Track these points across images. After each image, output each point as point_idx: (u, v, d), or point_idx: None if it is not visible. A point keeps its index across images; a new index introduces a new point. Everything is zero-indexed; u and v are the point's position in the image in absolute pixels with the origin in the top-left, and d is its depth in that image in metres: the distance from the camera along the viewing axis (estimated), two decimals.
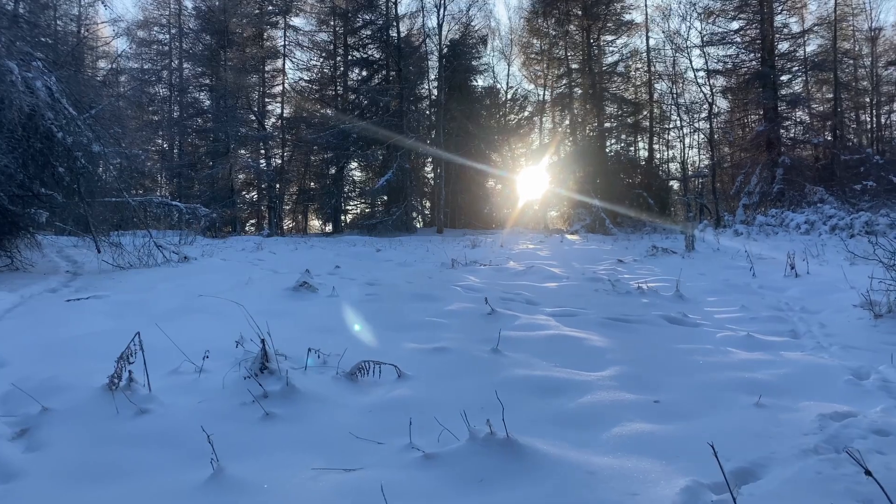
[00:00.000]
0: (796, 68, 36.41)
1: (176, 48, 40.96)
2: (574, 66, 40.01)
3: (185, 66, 40.88)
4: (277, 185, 39.41)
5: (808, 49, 36.50)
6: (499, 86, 44.88)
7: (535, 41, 43.71)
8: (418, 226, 37.42)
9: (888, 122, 44.81)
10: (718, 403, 3.49)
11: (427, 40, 38.22)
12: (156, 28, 41.70)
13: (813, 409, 3.31)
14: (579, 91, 39.52)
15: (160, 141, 43.07)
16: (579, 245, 19.70)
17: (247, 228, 40.05)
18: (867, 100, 40.44)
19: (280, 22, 41.43)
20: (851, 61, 38.82)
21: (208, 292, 7.71)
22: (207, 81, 39.74)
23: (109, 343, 4.42)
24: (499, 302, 6.83)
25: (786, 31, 36.50)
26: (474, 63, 39.91)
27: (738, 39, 37.02)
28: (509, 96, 45.22)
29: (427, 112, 39.85)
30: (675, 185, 44.61)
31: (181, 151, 40.82)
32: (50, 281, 8.89)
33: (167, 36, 41.60)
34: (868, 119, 42.76)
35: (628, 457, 2.72)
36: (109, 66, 29.95)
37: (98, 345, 4.64)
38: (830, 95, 37.76)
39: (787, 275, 10.42)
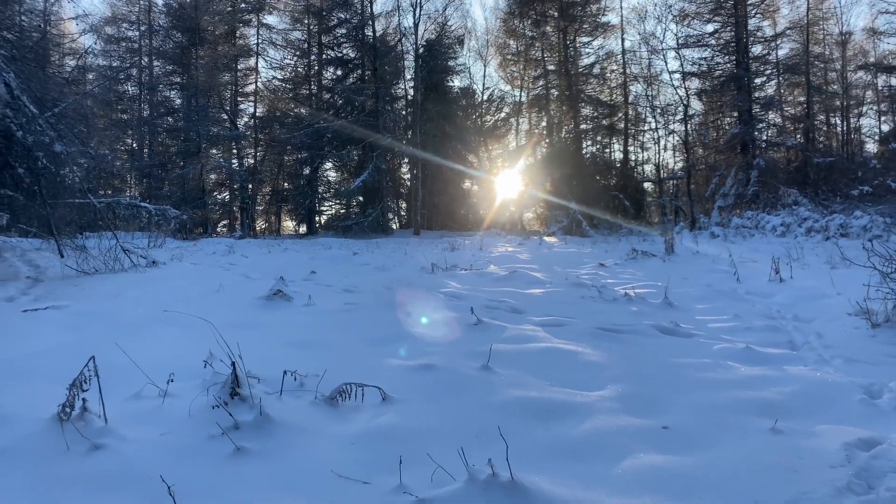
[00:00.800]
0: (770, 71, 36.72)
1: (146, 45, 40.08)
2: (550, 67, 39.95)
3: (155, 63, 40.04)
4: (250, 186, 38.76)
5: (781, 53, 36.86)
6: (475, 87, 44.70)
7: (511, 42, 43.60)
8: (394, 227, 37.03)
9: (857, 125, 45.50)
10: (731, 428, 3.23)
11: (403, 39, 37.89)
12: (125, 25, 40.80)
13: (833, 435, 3.06)
14: (556, 92, 39.45)
15: (129, 140, 42.16)
16: (559, 248, 19.51)
17: (218, 230, 39.31)
18: (837, 103, 40.94)
19: (253, 20, 40.80)
20: (823, 65, 39.27)
21: (177, 300, 7.31)
22: (178, 80, 38.97)
23: (66, 362, 4.04)
24: (484, 311, 6.54)
25: (759, 34, 36.80)
26: (451, 63, 39.65)
27: (713, 42, 37.23)
28: (486, 97, 45.05)
29: (403, 112, 39.50)
30: (648, 186, 44.80)
31: (151, 151, 39.95)
32: (8, 288, 8.40)
33: (136, 33, 40.71)
34: (838, 122, 43.33)
35: (645, 498, 2.43)
36: (76, 62, 29.15)
37: (53, 364, 4.25)
38: (802, 99, 38.15)
39: (771, 280, 10.27)
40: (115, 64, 41.07)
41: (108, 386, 3.60)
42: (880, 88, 43.14)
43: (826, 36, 41.26)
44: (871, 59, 40.73)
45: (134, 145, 41.89)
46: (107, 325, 5.62)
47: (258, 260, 14.45)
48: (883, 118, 45.59)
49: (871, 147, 44.39)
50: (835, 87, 40.67)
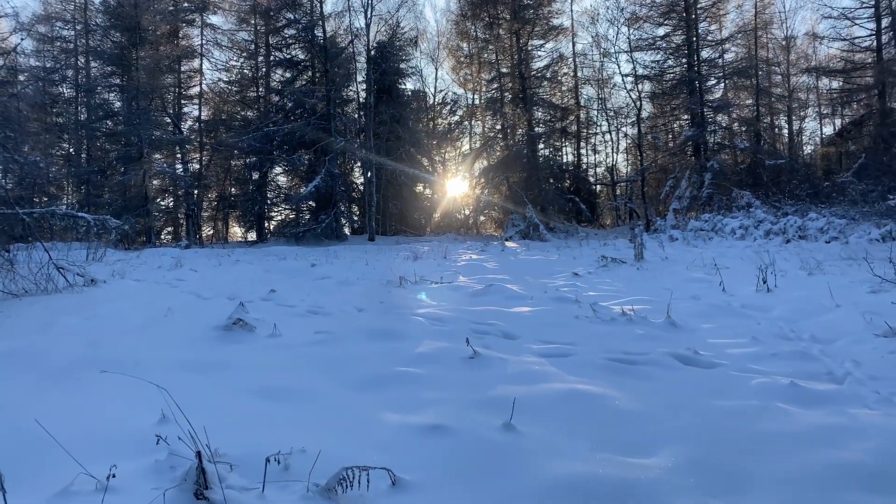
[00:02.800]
0: (719, 74, 37.07)
1: (82, 45, 38.08)
2: (504, 70, 39.53)
3: (92, 64, 38.10)
4: (195, 192, 37.18)
5: (728, 57, 37.26)
6: (427, 90, 44.02)
7: (463, 45, 43.08)
8: (348, 233, 35.98)
9: (800, 127, 46.52)
10: None
11: (355, 41, 36.91)
12: (59, 23, 38.71)
13: None
14: (509, 95, 39.04)
15: (66, 145, 40.04)
16: (524, 255, 18.90)
17: (163, 238, 37.57)
18: (780, 106, 41.67)
19: (197, 20, 39.21)
20: (768, 68, 39.89)
21: (119, 331, 6.35)
22: (118, 81, 37.13)
23: None
24: (474, 337, 5.78)
25: (709, 38, 37.12)
26: (403, 66, 38.82)
27: (665, 45, 37.40)
28: (438, 100, 44.40)
29: (356, 115, 38.49)
30: (598, 189, 44.87)
31: (90, 156, 37.96)
32: None
33: (72, 32, 38.66)
34: (784, 125, 44.16)
35: None
36: (3, 62, 27.29)
37: None
38: (749, 102, 38.66)
39: (759, 289, 9.82)
40: (48, 65, 38.95)
41: (29, 473, 2.72)
42: (822, 92, 44.19)
43: (771, 40, 42.01)
44: (813, 63, 41.61)
45: (71, 150, 39.80)
46: (31, 371, 4.65)
47: (209, 274, 13.39)
48: (825, 120, 46.76)
49: (809, 149, 45.50)
50: (779, 90, 41.41)
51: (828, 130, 45.65)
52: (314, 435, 3.27)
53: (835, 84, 40.40)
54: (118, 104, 37.88)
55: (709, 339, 6.11)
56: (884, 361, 5.00)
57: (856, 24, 34.03)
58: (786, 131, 43.79)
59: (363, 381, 4.48)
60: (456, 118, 44.15)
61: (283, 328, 6.21)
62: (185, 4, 38.64)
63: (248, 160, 36.91)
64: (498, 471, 2.92)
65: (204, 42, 39.28)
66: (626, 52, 39.55)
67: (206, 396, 3.97)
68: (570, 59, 41.74)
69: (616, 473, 2.85)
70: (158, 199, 37.00)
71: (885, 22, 32.58)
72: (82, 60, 38.32)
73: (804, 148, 46.37)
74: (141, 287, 10.71)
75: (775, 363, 5.13)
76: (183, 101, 39.46)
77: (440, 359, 5.09)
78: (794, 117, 44.38)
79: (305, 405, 3.91)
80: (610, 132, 44.88)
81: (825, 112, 45.95)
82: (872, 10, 32.68)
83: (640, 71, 38.86)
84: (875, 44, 33.13)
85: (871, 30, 33.09)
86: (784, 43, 43.29)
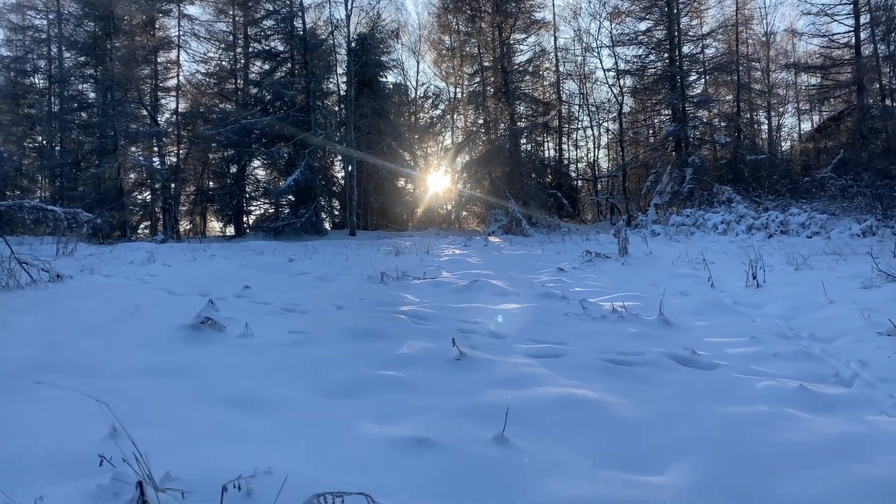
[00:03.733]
0: (700, 70, 37.05)
1: (55, 35, 37.12)
2: (486, 63, 39.19)
3: (65, 54, 37.15)
4: (172, 185, 36.44)
5: (709, 52, 37.25)
6: (409, 83, 43.57)
7: (445, 38, 42.68)
8: (328, 228, 35.48)
9: (780, 123, 46.73)
10: None
11: (335, 32, 36.35)
12: (31, 12, 37.72)
13: None
14: (492, 90, 38.71)
15: (38, 137, 39.11)
16: (507, 250, 18.61)
17: (139, 233, 36.81)
18: (760, 102, 41.78)
19: (174, 10, 38.38)
20: (750, 64, 39.96)
21: (80, 331, 5.93)
22: (92, 72, 36.25)
23: None
24: (459, 336, 5.45)
25: (691, 33, 37.04)
26: (384, 59, 38.33)
27: (647, 40, 37.28)
28: (420, 93, 43.97)
29: (336, 108, 37.95)
30: (579, 184, 44.76)
31: (63, 149, 37.07)
32: None
33: (44, 21, 37.69)
34: (764, 120, 44.29)
35: None
36: None
37: None
38: (730, 97, 38.70)
39: (748, 285, 9.60)
40: (19, 55, 37.99)
41: None
42: (801, 88, 44.40)
43: (751, 36, 42.06)
44: (792, 60, 41.79)
45: (43, 142, 38.86)
46: None
47: (182, 269, 12.92)
48: (803, 116, 47.01)
49: (788, 145, 45.75)
50: (759, 86, 41.49)
51: (806, 126, 45.89)
52: (284, 451, 2.92)
53: (813, 80, 40.46)
54: (92, 95, 37.01)
55: (705, 338, 5.83)
56: (891, 362, 4.74)
57: (835, 21, 34.11)
58: (765, 127, 43.94)
59: (340, 387, 4.13)
60: (438, 112, 43.76)
61: (256, 327, 5.83)
62: None
63: (226, 153, 36.27)
64: (490, 492, 2.58)
65: (181, 33, 38.51)
66: (607, 46, 39.45)
67: (165, 405, 3.60)
68: (552, 54, 41.50)
69: (626, 495, 2.53)
70: (134, 193, 36.22)
71: (863, 18, 32.68)
72: (55, 50, 37.38)
73: (783, 144, 46.60)
74: (109, 283, 10.25)
75: (778, 364, 4.86)
76: (160, 93, 38.67)
77: (424, 361, 4.75)
78: (773, 113, 44.53)
79: (276, 415, 3.55)
80: (591, 127, 44.76)
81: (804, 108, 46.17)
82: (851, 6, 32.75)
83: (622, 66, 38.77)
84: (853, 40, 33.22)
85: (850, 26, 33.17)
86: (764, 39, 43.41)
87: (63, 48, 36.73)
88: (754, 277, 9.68)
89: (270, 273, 12.07)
